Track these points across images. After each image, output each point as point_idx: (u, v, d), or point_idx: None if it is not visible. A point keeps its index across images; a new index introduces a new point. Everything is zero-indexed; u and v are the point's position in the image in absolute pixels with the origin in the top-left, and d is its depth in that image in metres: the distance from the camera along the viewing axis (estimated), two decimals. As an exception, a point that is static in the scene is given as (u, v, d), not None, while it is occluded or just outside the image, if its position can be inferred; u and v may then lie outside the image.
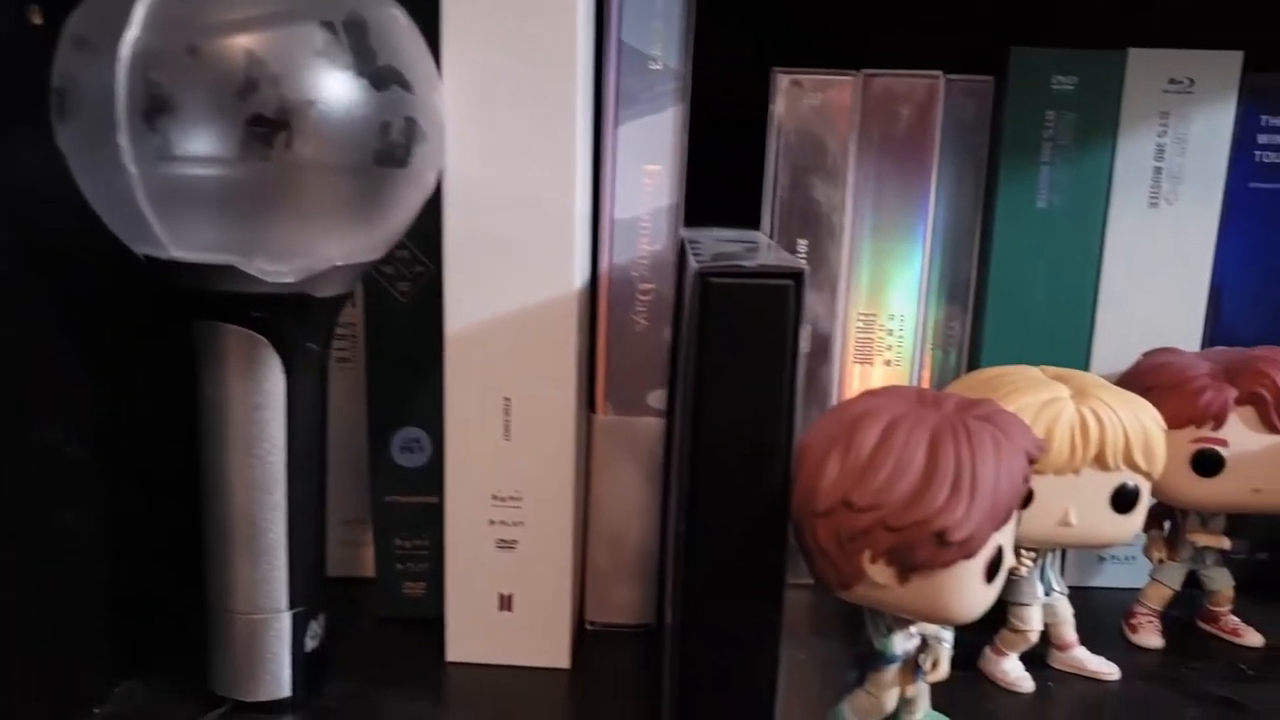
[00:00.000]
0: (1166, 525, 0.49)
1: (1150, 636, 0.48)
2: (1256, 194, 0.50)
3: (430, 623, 0.45)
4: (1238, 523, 0.49)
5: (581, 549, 0.47)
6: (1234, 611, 0.50)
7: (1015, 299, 0.51)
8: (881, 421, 0.34)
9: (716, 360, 0.34)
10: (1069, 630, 0.45)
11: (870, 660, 0.37)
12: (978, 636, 0.45)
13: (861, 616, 0.36)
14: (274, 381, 0.38)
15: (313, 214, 0.34)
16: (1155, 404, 0.45)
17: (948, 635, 0.37)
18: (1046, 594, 0.44)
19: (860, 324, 0.51)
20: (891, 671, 0.37)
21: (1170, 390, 0.45)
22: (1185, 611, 0.50)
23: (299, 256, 0.35)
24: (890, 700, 0.37)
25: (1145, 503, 0.42)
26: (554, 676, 0.44)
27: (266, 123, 0.32)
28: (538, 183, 0.40)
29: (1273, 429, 0.44)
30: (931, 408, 0.35)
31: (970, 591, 0.33)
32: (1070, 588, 0.53)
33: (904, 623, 0.36)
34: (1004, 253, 0.50)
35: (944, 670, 0.37)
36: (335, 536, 0.51)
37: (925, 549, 0.32)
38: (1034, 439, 0.35)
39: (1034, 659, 0.45)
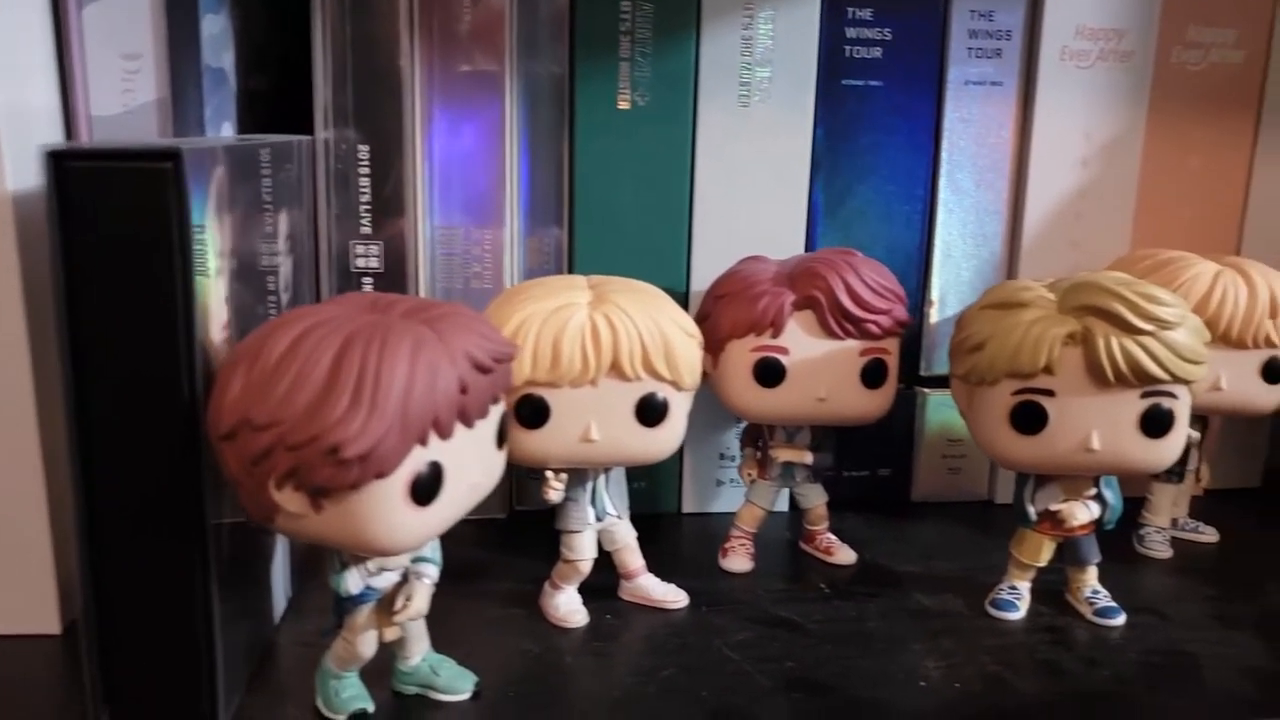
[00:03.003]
0: (761, 444, 0.46)
1: (739, 560, 0.45)
2: (849, 91, 0.48)
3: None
4: (856, 437, 0.47)
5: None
6: (848, 529, 0.48)
7: (604, 209, 0.47)
8: (297, 329, 0.29)
9: (82, 263, 0.29)
10: (633, 557, 0.42)
11: (339, 602, 0.33)
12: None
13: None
14: None
15: None
16: (723, 312, 0.42)
17: (431, 570, 0.33)
18: (599, 519, 0.40)
19: (442, 241, 0.47)
20: (363, 613, 0.33)
21: (734, 298, 0.42)
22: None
23: None
24: (366, 645, 0.33)
25: (679, 414, 0.38)
26: (41, 644, 0.38)
27: None
28: (-53, 68, 0.34)
29: (831, 334, 0.41)
30: (378, 313, 0.31)
31: (392, 516, 0.29)
32: (688, 513, 0.52)
33: (362, 557, 0.32)
34: (588, 159, 0.47)
35: (417, 608, 0.33)
36: None
37: (324, 469, 0.28)
38: (486, 343, 0.31)
39: (608, 590, 0.42)
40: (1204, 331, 0.37)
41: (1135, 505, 0.48)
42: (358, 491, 0.28)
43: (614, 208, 0.47)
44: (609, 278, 0.40)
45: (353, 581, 0.32)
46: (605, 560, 0.42)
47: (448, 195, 0.46)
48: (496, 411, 0.33)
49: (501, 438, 0.33)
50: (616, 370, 0.37)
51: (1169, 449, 0.38)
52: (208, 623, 0.31)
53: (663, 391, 0.37)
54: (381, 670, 0.35)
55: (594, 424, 0.37)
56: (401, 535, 0.30)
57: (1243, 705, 0.35)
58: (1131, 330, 0.36)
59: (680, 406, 0.38)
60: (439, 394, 0.29)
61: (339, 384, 0.28)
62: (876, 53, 0.47)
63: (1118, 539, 0.47)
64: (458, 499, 0.31)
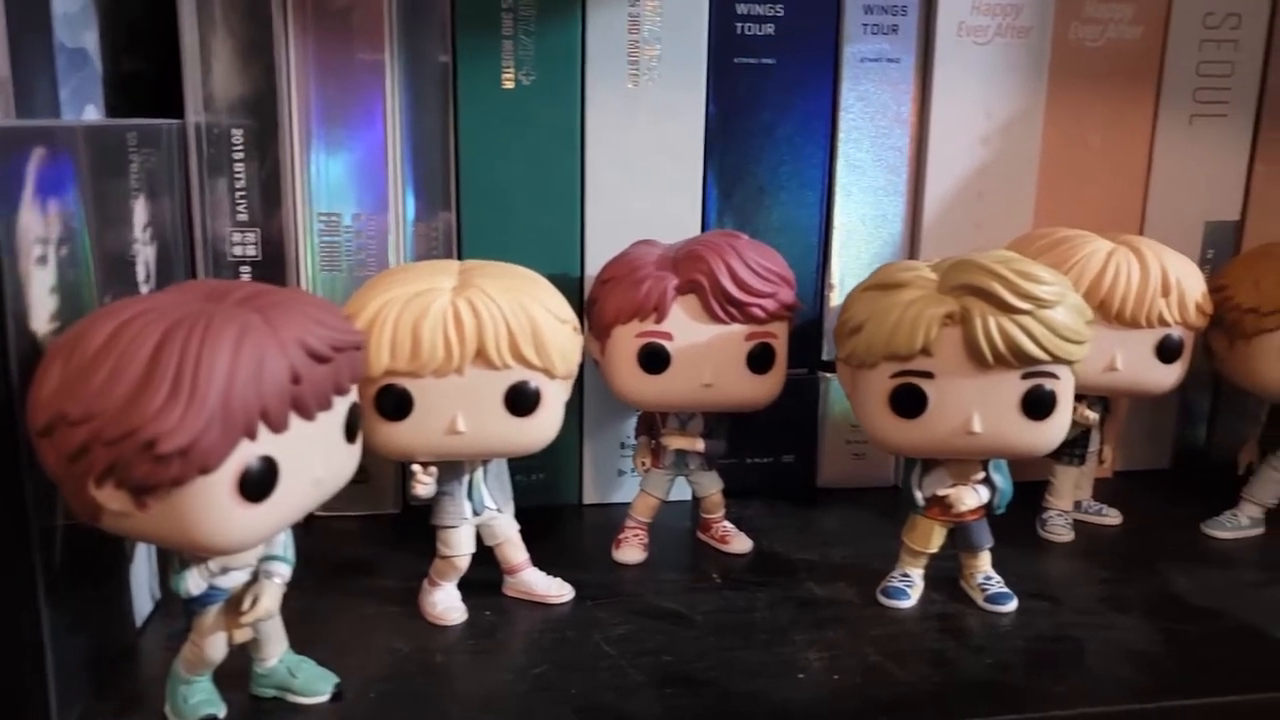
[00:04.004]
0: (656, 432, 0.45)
1: (632, 551, 0.44)
2: (742, 69, 0.47)
3: None
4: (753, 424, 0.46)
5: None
6: (751, 516, 0.48)
7: (492, 192, 0.46)
8: (118, 319, 0.28)
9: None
10: (515, 551, 0.41)
11: (184, 604, 0.32)
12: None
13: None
14: None
15: None
16: (607, 297, 0.41)
17: (281, 569, 0.32)
18: (477, 513, 0.39)
19: (323, 226, 0.45)
20: (210, 615, 0.32)
21: (618, 282, 0.41)
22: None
23: None
24: (215, 648, 0.32)
25: (554, 403, 0.37)
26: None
27: None
28: None
29: (715, 319, 0.40)
30: (213, 301, 0.30)
31: (220, 514, 0.28)
32: (589, 505, 0.50)
33: (201, 557, 0.31)
34: (473, 140, 0.45)
35: (265, 608, 0.31)
36: None
37: (142, 464, 0.27)
38: (323, 331, 0.30)
39: (493, 586, 0.41)
40: (1085, 310, 0.37)
41: (1039, 488, 0.48)
42: (181, 488, 0.27)
43: (502, 191, 0.46)
44: (482, 263, 0.39)
45: (193, 582, 0.31)
46: (492, 555, 0.41)
47: (328, 180, 0.45)
48: (343, 403, 0.31)
49: (352, 430, 0.32)
50: (483, 358, 0.35)
51: (1052, 431, 0.37)
52: (35, 631, 0.30)
53: (535, 380, 0.36)
54: (243, 672, 0.34)
55: (460, 415, 0.36)
56: (233, 534, 0.28)
57: (1121, 689, 0.35)
58: (1009, 309, 0.35)
59: (555, 395, 0.37)
60: (266, 384, 0.28)
61: (157, 375, 0.27)
62: (769, 29, 0.46)
63: (1021, 523, 0.47)
64: (298, 495, 0.30)
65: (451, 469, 0.38)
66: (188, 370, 0.27)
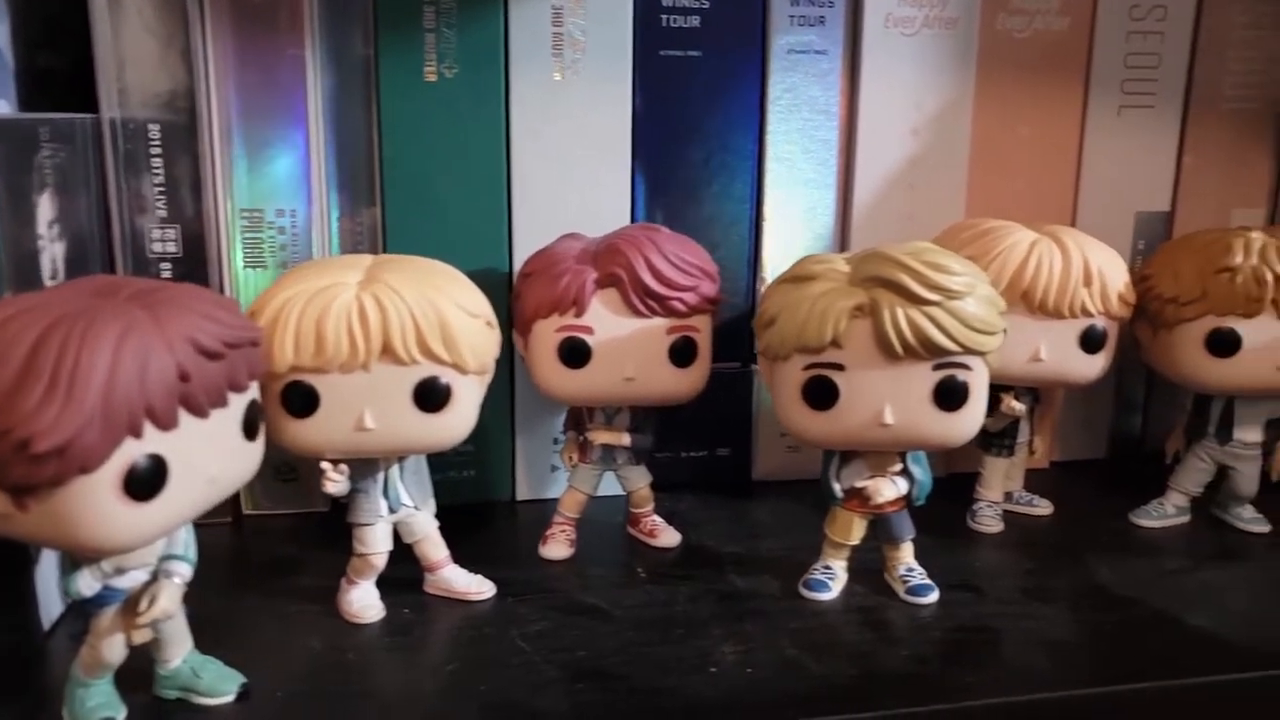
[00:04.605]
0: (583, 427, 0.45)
1: (558, 547, 0.44)
2: (668, 62, 0.46)
3: None
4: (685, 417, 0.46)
5: None
6: (684, 510, 0.47)
7: (417, 187, 0.45)
8: None
9: None
10: (434, 549, 0.40)
11: (81, 605, 0.31)
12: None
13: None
14: None
15: None
16: (528, 291, 0.41)
17: (182, 568, 0.32)
18: (393, 510, 0.39)
19: (245, 222, 0.45)
20: (107, 616, 0.31)
21: (538, 276, 0.41)
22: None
23: None
24: (113, 650, 0.31)
25: (467, 400, 0.37)
26: None
27: None
28: None
29: (636, 312, 0.40)
30: (104, 298, 0.29)
31: (104, 514, 0.27)
32: (522, 501, 0.50)
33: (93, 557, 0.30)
34: (396, 134, 0.45)
35: (163, 609, 0.31)
36: None
37: (18, 465, 0.26)
38: (213, 327, 0.29)
39: (415, 584, 0.41)
40: (997, 301, 0.37)
41: (971, 480, 0.48)
42: (62, 488, 0.27)
43: (427, 186, 0.45)
44: (393, 257, 0.38)
45: (84, 583, 0.30)
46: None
47: (250, 176, 0.44)
48: (241, 400, 0.31)
49: (251, 428, 0.32)
50: (389, 353, 0.35)
51: (966, 422, 0.37)
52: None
53: (445, 375, 0.36)
54: (148, 672, 0.33)
55: (368, 411, 0.35)
56: (119, 534, 0.28)
57: (1033, 679, 0.35)
58: (917, 301, 0.35)
59: (468, 391, 0.37)
60: (151, 382, 0.27)
61: (33, 374, 0.26)
62: (694, 21, 0.46)
63: (952, 515, 0.47)
64: (190, 493, 0.29)
65: (366, 466, 0.38)
66: (65, 368, 0.26)
